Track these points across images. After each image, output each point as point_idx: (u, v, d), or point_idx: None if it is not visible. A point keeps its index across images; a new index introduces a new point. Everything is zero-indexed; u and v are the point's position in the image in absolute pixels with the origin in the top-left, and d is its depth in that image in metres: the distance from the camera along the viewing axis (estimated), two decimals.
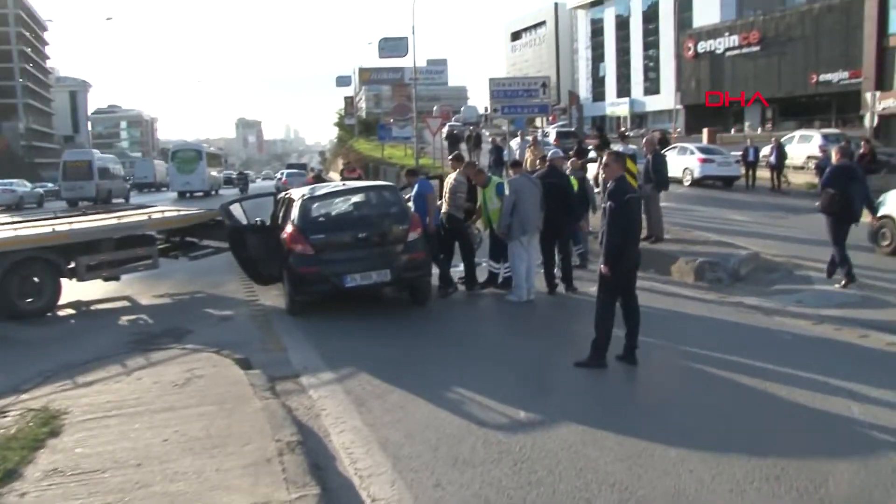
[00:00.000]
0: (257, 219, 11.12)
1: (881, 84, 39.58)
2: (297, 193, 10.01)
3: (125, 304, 11.07)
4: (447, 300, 10.22)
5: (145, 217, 11.93)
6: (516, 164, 11.10)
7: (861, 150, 18.71)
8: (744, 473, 4.62)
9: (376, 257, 9.25)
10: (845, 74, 48.14)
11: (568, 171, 12.07)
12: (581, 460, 4.87)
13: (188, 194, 38.31)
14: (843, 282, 9.96)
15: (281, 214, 10.37)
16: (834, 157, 10.86)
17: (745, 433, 5.33)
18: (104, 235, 10.79)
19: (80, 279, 10.53)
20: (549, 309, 9.76)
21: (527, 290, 9.80)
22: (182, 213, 12.75)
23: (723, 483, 4.51)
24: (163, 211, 12.74)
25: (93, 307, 10.91)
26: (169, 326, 9.13)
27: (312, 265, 9.09)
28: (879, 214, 11.64)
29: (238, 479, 4.38)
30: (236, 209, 10.59)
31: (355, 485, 4.62)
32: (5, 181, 39.93)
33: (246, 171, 63.80)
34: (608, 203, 6.71)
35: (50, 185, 43.95)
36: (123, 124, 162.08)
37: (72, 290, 10.84)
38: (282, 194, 11.16)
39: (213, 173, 40.83)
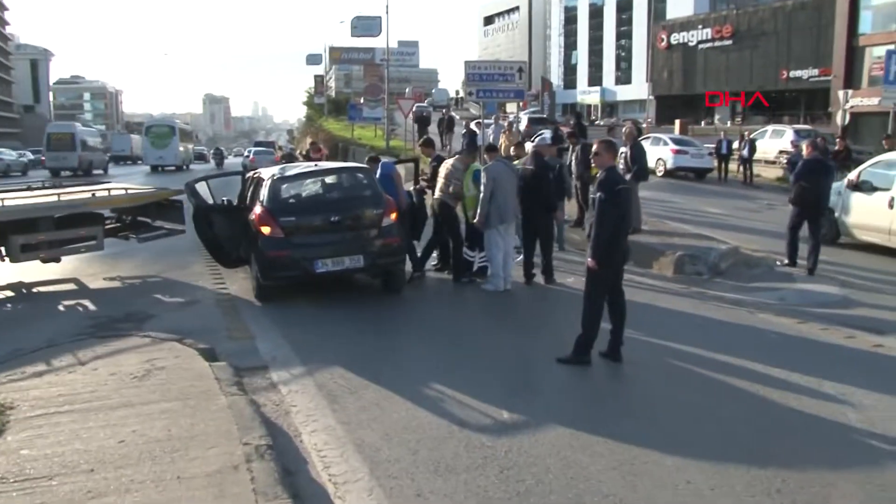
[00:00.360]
0: (224, 198, 10.60)
1: (850, 82, 39.86)
2: (267, 173, 9.54)
3: (74, 287, 10.38)
4: (421, 288, 9.88)
5: (88, 195, 10.99)
6: (492, 149, 10.71)
7: (836, 147, 18.69)
8: (744, 485, 4.36)
9: (349, 242, 8.86)
10: (815, 71, 48.64)
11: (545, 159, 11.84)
12: (571, 468, 4.56)
13: (160, 168, 39.08)
14: (785, 261, 10.84)
15: (249, 194, 9.90)
16: (805, 151, 11.18)
17: (741, 440, 5.07)
18: (41, 214, 9.88)
19: (14, 260, 9.68)
20: (527, 300, 9.46)
21: (504, 279, 9.50)
22: (131, 191, 11.80)
23: (723, 496, 4.25)
24: (109, 189, 11.62)
25: (37, 290, 10.18)
26: (128, 311, 8.58)
27: (282, 249, 8.66)
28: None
29: (202, 489, 3.97)
30: (202, 187, 10.03)
31: (329, 493, 4.25)
32: None
33: (220, 148, 64.06)
34: (598, 194, 6.39)
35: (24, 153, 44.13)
36: (87, 96, 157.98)
37: (12, 272, 10.16)
38: (250, 173, 10.65)
39: (180, 149, 41.57)
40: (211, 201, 10.10)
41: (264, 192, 9.04)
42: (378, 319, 8.35)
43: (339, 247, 8.76)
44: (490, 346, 7.32)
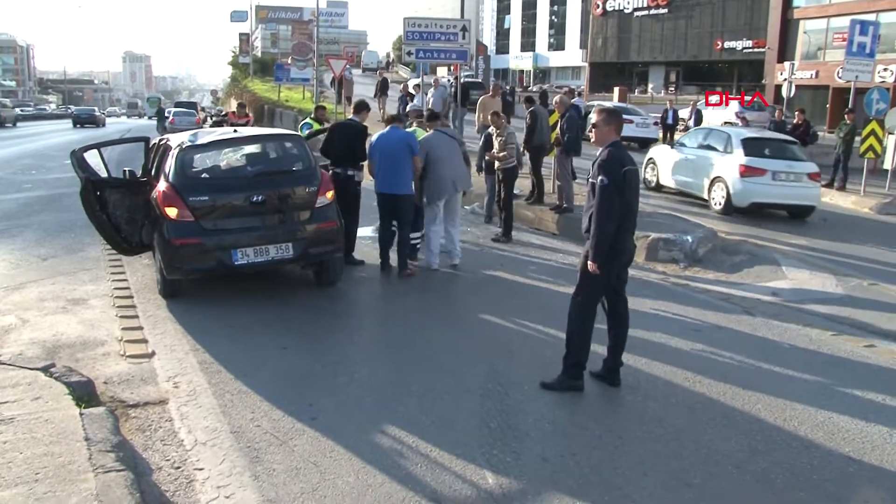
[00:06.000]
0: (125, 168, 8.76)
1: (784, 55, 39.84)
2: (176, 140, 7.80)
3: None
4: (357, 278, 8.37)
5: None
6: (433, 118, 9.29)
7: (795, 121, 17.84)
8: None
9: (275, 227, 7.27)
10: (749, 43, 48.65)
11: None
12: None
13: (150, 118, 56.21)
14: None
15: (154, 166, 8.14)
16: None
17: None
18: None
19: None
20: (483, 290, 8.06)
21: (435, 256, 8.78)
22: None
23: None
24: None
25: None
26: None
27: (191, 236, 7.00)
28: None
29: None
30: (92, 157, 8.14)
31: None
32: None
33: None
34: (599, 178, 5.00)
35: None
36: None
37: None
38: (155, 140, 8.85)
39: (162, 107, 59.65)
40: (104, 174, 8.28)
41: (170, 165, 7.33)
42: (311, 323, 6.80)
43: (262, 233, 7.18)
44: (452, 359, 5.85)
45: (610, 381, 5.39)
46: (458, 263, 8.76)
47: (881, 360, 6.19)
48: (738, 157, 12.85)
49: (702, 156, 13.85)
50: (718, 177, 13.10)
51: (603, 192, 4.97)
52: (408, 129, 9.20)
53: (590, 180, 5.18)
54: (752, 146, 13.05)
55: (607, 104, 27.28)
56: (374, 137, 8.61)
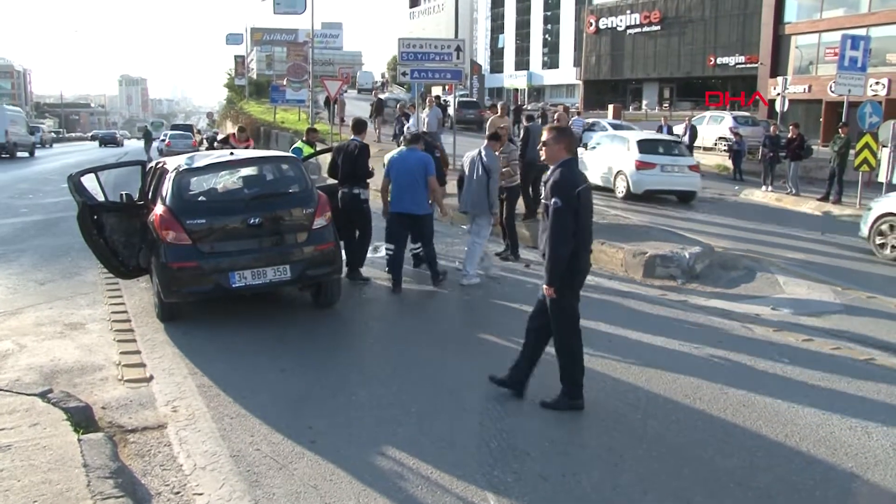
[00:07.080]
0: (122, 192, 8.79)
1: (776, 70, 40.12)
2: (172, 163, 7.81)
3: None
4: (356, 299, 8.37)
5: None
6: (495, 137, 9.34)
7: (789, 135, 17.95)
8: None
9: (273, 249, 7.26)
10: (742, 59, 49.04)
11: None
12: None
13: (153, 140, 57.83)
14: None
15: (150, 189, 8.15)
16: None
17: None
18: None
19: None
20: (478, 311, 8.06)
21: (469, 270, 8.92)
22: None
23: None
24: None
25: None
26: None
27: (189, 259, 6.99)
28: None
29: None
30: (89, 181, 8.16)
31: None
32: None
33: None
34: (552, 200, 4.92)
35: None
36: None
37: None
38: (152, 164, 8.87)
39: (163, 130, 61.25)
40: (101, 198, 8.28)
41: (167, 188, 7.34)
42: (310, 345, 6.78)
43: (260, 255, 7.17)
44: (451, 379, 5.84)
45: (517, 392, 5.36)
46: (465, 285, 8.73)
47: (882, 374, 6.18)
48: (634, 154, 16.09)
49: (608, 155, 17.06)
50: (620, 171, 16.33)
51: (556, 214, 4.89)
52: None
53: (543, 201, 5.14)
54: (645, 146, 16.43)
55: (604, 122, 27.51)
56: (390, 157, 8.68)
